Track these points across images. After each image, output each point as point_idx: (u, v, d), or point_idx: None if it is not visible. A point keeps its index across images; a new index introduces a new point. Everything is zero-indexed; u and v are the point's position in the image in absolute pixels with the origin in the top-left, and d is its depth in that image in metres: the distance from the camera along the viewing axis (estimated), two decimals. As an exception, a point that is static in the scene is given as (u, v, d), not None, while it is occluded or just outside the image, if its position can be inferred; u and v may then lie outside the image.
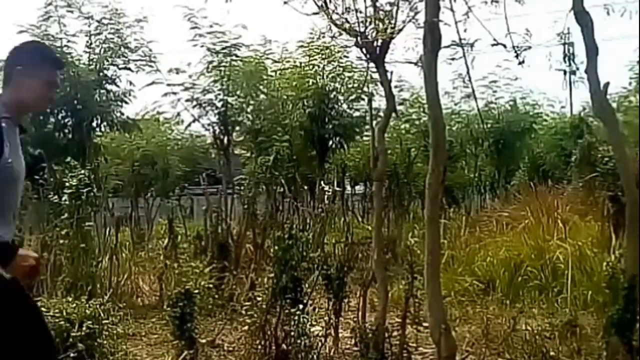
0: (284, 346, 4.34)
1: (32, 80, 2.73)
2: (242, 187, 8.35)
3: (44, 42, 2.80)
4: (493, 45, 3.15)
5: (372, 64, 4.51)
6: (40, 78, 2.75)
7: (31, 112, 3.04)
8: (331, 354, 4.62)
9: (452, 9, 3.20)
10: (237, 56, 9.01)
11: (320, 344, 4.45)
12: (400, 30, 4.29)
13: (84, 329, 3.92)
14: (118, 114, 10.25)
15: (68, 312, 4.02)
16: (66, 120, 9.91)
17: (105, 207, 7.99)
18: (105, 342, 4.12)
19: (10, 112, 2.67)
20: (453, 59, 3.94)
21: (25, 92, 2.73)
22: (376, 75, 4.99)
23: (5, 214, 2.66)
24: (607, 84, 3.72)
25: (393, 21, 4.27)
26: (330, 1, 4.36)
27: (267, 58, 9.99)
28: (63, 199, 6.03)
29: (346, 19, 4.39)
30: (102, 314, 4.15)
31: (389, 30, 4.22)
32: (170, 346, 4.70)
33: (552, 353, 4.42)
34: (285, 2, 4.42)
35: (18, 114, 2.75)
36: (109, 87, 9.96)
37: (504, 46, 3.58)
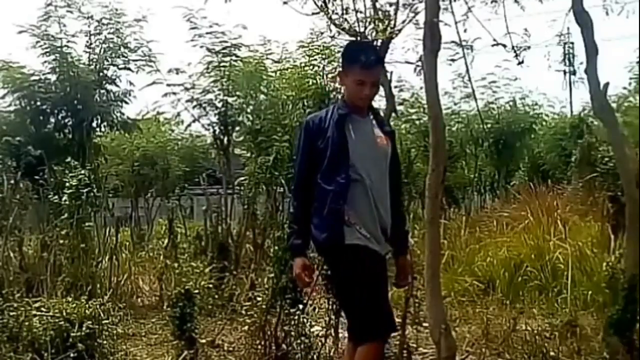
0: (284, 346, 4.35)
1: (348, 79, 3.16)
2: (242, 187, 8.36)
3: (360, 43, 3.01)
4: (493, 45, 3.16)
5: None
6: (352, 77, 3.13)
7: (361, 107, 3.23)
8: (331, 354, 4.61)
9: (451, 10, 3.20)
10: (237, 56, 9.00)
11: (320, 344, 4.45)
12: (400, 30, 4.30)
13: (83, 329, 3.92)
14: (118, 114, 10.26)
15: (68, 312, 4.02)
16: (66, 121, 9.93)
17: (106, 207, 7.98)
18: (105, 342, 4.12)
19: (348, 107, 3.15)
20: (453, 59, 3.95)
21: (346, 90, 3.21)
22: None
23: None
24: (606, 84, 3.72)
25: (393, 21, 4.28)
26: (330, 1, 4.37)
27: (267, 58, 9.98)
28: (63, 199, 6.02)
29: (346, 19, 4.40)
30: (102, 314, 4.15)
31: (388, 31, 4.22)
32: (170, 346, 4.70)
33: (552, 353, 4.42)
34: (285, 2, 4.43)
35: (354, 108, 3.15)
36: (109, 87, 9.98)
37: (504, 46, 3.58)
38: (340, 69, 3.34)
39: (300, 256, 3.22)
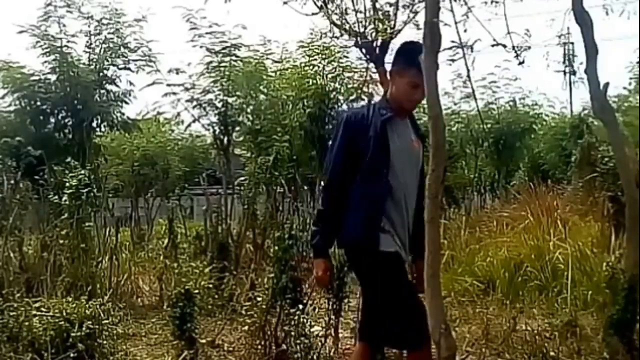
0: (283, 346, 4.35)
1: (402, 80, 3.07)
2: (242, 188, 8.35)
3: (420, 45, 2.97)
4: (493, 45, 3.16)
5: (371, 65, 4.52)
6: (407, 79, 3.03)
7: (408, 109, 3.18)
8: (331, 354, 4.62)
9: (452, 10, 3.20)
10: (236, 56, 9.00)
11: (320, 344, 4.46)
12: (400, 30, 4.30)
13: (83, 329, 3.92)
14: (118, 114, 10.27)
15: (68, 312, 4.02)
16: (66, 121, 9.94)
17: (106, 208, 7.99)
18: (105, 342, 4.12)
19: (392, 108, 3.09)
20: (453, 59, 3.95)
21: (396, 91, 3.12)
22: (376, 76, 4.99)
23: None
24: (606, 84, 3.71)
25: (393, 22, 4.28)
26: (330, 1, 4.37)
27: (267, 58, 9.99)
28: (63, 199, 6.02)
29: (346, 19, 4.40)
30: (102, 314, 4.15)
31: (388, 31, 4.22)
32: (170, 346, 4.70)
33: (552, 353, 4.42)
34: (285, 3, 4.43)
35: (397, 110, 3.10)
36: (109, 87, 9.99)
37: (504, 46, 3.58)
38: (393, 68, 3.20)
39: (322, 257, 3.15)
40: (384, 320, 3.07)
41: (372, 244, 2.99)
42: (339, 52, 10.16)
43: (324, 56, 10.49)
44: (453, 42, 2.95)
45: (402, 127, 3.11)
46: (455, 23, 2.77)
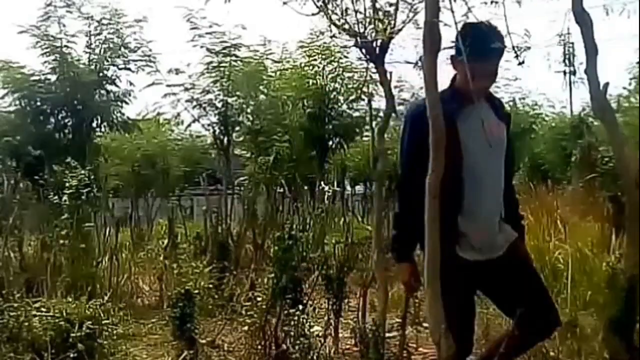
0: (283, 346, 4.35)
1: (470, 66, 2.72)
2: (242, 188, 8.36)
3: (486, 28, 2.81)
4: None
5: (371, 65, 4.51)
6: (469, 65, 2.68)
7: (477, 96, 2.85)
8: (331, 354, 4.62)
9: (451, 10, 3.20)
10: (236, 56, 9.01)
11: (320, 344, 4.46)
12: (400, 30, 4.29)
13: (83, 329, 3.91)
14: (118, 115, 10.27)
15: (68, 313, 4.01)
16: (66, 121, 9.94)
17: (106, 208, 7.99)
18: (105, 342, 4.11)
19: (459, 98, 2.83)
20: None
21: (460, 78, 2.91)
22: (376, 76, 4.99)
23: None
24: (606, 84, 3.70)
25: (392, 22, 4.28)
26: (329, 2, 4.36)
27: (267, 58, 9.99)
28: (63, 199, 6.02)
29: (346, 19, 4.39)
30: (102, 315, 4.14)
31: (388, 31, 4.22)
32: (170, 346, 4.70)
33: (552, 353, 4.42)
34: (284, 3, 4.42)
35: (467, 97, 2.78)
36: (109, 87, 10.00)
37: (504, 47, 3.58)
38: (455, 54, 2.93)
39: (405, 261, 3.00)
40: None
41: (449, 249, 2.78)
42: (339, 52, 10.18)
43: (324, 56, 10.50)
44: (453, 42, 2.92)
45: (475, 114, 2.78)
46: (455, 23, 2.75)
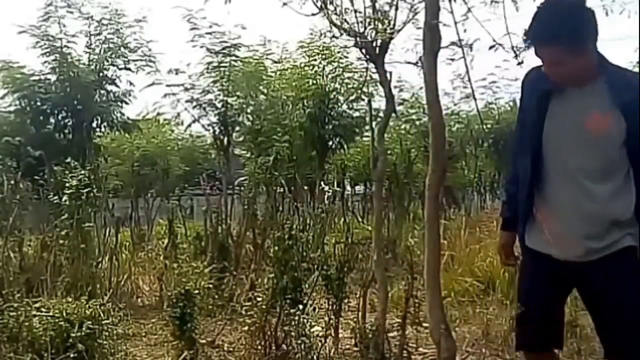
0: (283, 346, 4.35)
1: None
2: (242, 188, 8.36)
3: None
4: (490, 48, 3.14)
5: (371, 65, 4.51)
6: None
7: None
8: (331, 354, 4.62)
9: (451, 10, 3.20)
10: (236, 57, 9.02)
11: (320, 344, 4.46)
12: (400, 30, 4.29)
13: (83, 329, 3.92)
14: (118, 115, 10.29)
15: (68, 313, 4.01)
16: (66, 121, 9.96)
17: (106, 208, 7.99)
18: (105, 342, 4.12)
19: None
20: (452, 59, 3.94)
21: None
22: (376, 76, 4.99)
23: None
24: (606, 85, 3.71)
25: (392, 22, 4.28)
26: (329, 2, 4.36)
27: (267, 58, 10.01)
28: (63, 199, 6.02)
29: (345, 19, 4.39)
30: (102, 315, 4.15)
31: (388, 31, 4.22)
32: (170, 346, 4.70)
33: (552, 353, 4.41)
34: (284, 4, 4.42)
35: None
36: (109, 87, 10.01)
37: (502, 47, 3.58)
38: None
39: (505, 230, 2.87)
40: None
41: (522, 235, 2.68)
42: (338, 52, 10.19)
43: (323, 56, 10.51)
44: (453, 43, 2.91)
45: (572, 99, 2.49)
46: (455, 23, 2.76)
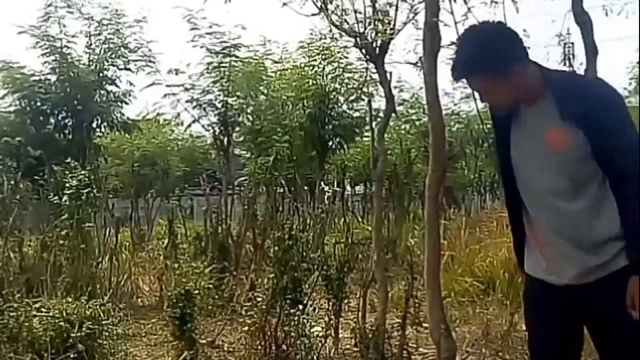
0: (284, 347, 4.35)
1: None
2: (242, 188, 8.36)
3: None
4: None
5: (371, 65, 4.52)
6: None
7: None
8: (331, 354, 4.62)
9: (452, 12, 3.21)
10: (236, 57, 9.02)
11: (320, 344, 4.46)
12: (400, 31, 4.30)
13: (83, 329, 3.92)
14: (118, 115, 10.29)
15: (68, 313, 4.02)
16: (66, 121, 9.97)
17: (105, 208, 7.99)
18: (105, 342, 4.12)
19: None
20: (452, 58, 3.93)
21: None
22: (376, 76, 5.00)
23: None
24: (606, 85, 3.71)
25: (392, 22, 4.28)
26: (329, 2, 4.37)
27: (267, 58, 10.01)
28: (63, 199, 6.03)
29: (345, 19, 4.40)
30: (102, 315, 4.15)
31: (388, 31, 4.22)
32: (170, 347, 4.70)
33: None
34: (284, 4, 4.43)
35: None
36: (109, 87, 10.01)
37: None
38: None
39: (520, 267, 2.63)
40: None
41: (521, 262, 2.55)
42: (338, 52, 10.18)
43: (323, 57, 10.51)
44: (454, 43, 2.91)
45: (528, 118, 2.36)
46: (455, 23, 2.76)
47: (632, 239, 2.20)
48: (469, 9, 3.70)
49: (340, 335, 4.87)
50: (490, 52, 2.25)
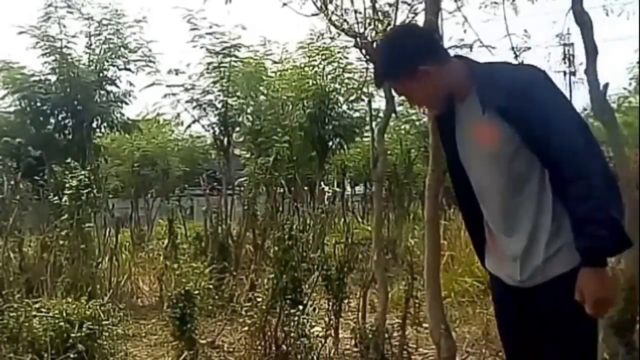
0: (284, 347, 4.35)
1: None
2: (242, 188, 8.36)
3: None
4: (483, 46, 3.13)
5: (371, 65, 4.51)
6: None
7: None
8: (331, 354, 4.62)
9: (451, 11, 3.21)
10: (236, 57, 9.02)
11: (320, 344, 4.46)
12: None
13: (84, 329, 3.92)
14: (118, 115, 10.29)
15: (68, 313, 4.02)
16: (66, 121, 9.96)
17: (106, 208, 7.99)
18: (105, 343, 4.12)
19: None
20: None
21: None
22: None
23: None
24: (606, 85, 3.71)
25: (392, 22, 4.28)
26: (329, 2, 4.37)
27: (267, 59, 10.01)
28: (63, 199, 6.03)
29: (345, 19, 4.40)
30: (102, 315, 4.15)
31: (388, 31, 4.22)
32: (170, 347, 4.70)
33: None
34: (284, 4, 4.43)
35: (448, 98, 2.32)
36: (109, 88, 10.01)
37: (493, 48, 3.59)
38: None
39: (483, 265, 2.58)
40: None
41: (482, 260, 2.49)
42: (338, 52, 10.18)
43: (323, 57, 10.51)
44: (455, 45, 2.91)
45: (462, 116, 2.29)
46: (456, 23, 2.76)
47: (578, 229, 2.03)
48: (464, 16, 3.70)
49: (340, 336, 4.87)
50: (395, 56, 2.23)
